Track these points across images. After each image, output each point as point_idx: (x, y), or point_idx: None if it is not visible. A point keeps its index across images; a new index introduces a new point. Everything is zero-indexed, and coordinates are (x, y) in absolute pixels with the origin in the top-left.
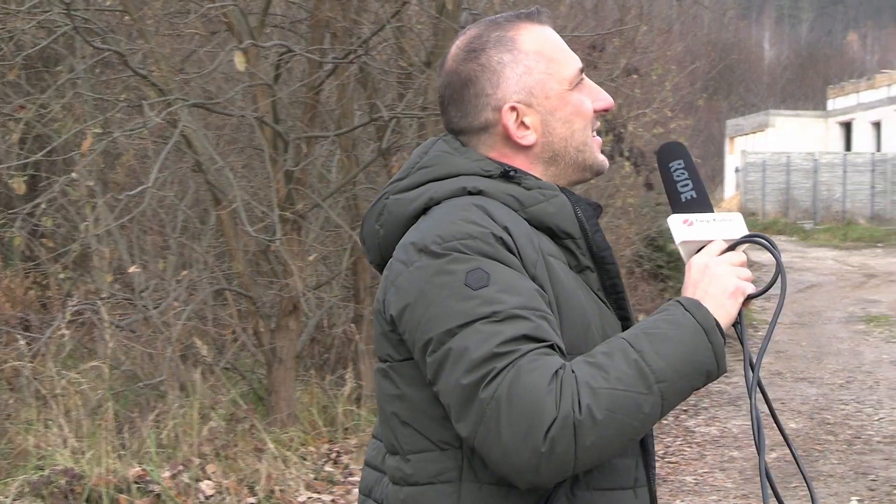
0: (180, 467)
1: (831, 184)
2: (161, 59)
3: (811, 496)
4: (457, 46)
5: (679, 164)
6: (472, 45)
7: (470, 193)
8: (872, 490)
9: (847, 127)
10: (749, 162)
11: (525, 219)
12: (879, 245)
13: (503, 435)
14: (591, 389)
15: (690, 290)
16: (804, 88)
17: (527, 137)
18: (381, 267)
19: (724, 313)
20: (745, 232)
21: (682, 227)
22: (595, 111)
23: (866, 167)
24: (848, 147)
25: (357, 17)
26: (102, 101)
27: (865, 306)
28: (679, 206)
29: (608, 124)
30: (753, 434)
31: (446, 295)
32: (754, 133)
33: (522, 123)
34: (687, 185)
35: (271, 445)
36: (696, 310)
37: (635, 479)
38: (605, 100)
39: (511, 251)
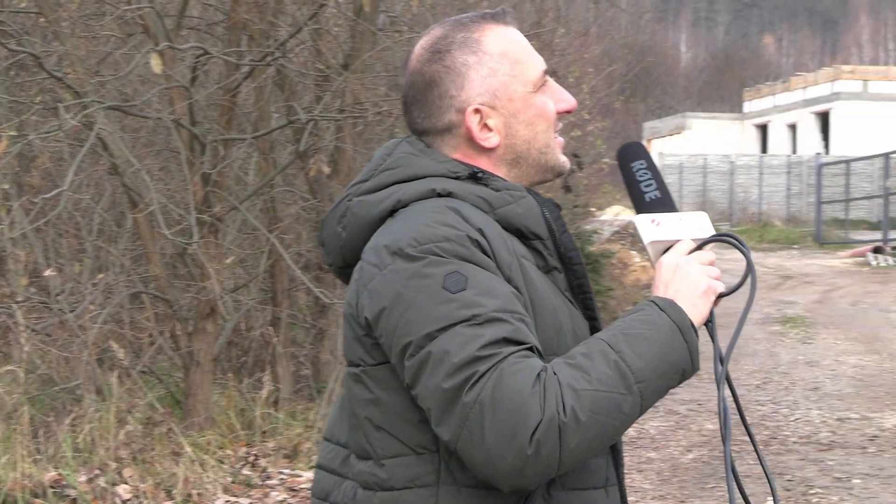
0: (97, 471)
1: (747, 186)
2: (77, 62)
3: (772, 492)
4: (421, 47)
5: (641, 164)
6: (437, 45)
7: (439, 195)
8: (788, 490)
9: (763, 129)
10: (666, 164)
11: (495, 220)
12: (795, 247)
13: (487, 438)
14: (573, 391)
15: (662, 289)
16: (720, 91)
17: (490, 139)
18: (342, 270)
19: (696, 312)
20: (712, 231)
21: (651, 227)
22: (558, 112)
23: (782, 169)
24: (764, 149)
25: (274, 19)
26: (17, 103)
27: (781, 308)
28: (644, 206)
29: None
30: (721, 427)
31: (424, 298)
32: (671, 135)
33: (486, 125)
34: (651, 184)
35: (188, 449)
36: (670, 309)
37: (606, 479)
38: (567, 101)
39: (486, 254)
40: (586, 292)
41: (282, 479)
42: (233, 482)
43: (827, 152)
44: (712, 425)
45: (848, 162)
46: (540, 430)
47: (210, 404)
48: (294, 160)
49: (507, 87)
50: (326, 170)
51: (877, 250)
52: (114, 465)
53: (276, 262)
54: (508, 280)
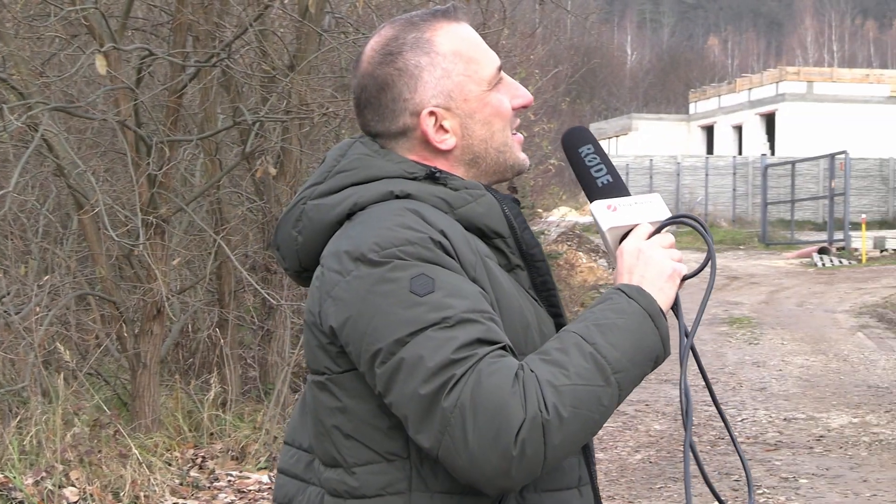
0: (43, 474)
1: (693, 187)
2: (21, 63)
3: (748, 482)
4: (371, 48)
5: (589, 148)
6: (388, 47)
7: (397, 197)
8: (735, 490)
9: (709, 130)
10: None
11: (455, 220)
12: (741, 248)
13: (470, 442)
14: (553, 388)
15: (626, 276)
16: (666, 92)
17: (446, 141)
18: (298, 274)
19: (664, 297)
20: (668, 213)
21: (607, 213)
22: (514, 109)
23: (728, 170)
24: (710, 150)
25: (220, 20)
26: None
27: (728, 308)
28: (597, 192)
29: None
30: (682, 408)
31: (391, 303)
32: (617, 136)
33: (441, 127)
34: (601, 169)
35: (136, 451)
36: (639, 296)
37: (579, 478)
38: (523, 96)
39: (450, 255)
40: (550, 289)
41: (230, 480)
42: (181, 484)
43: (772, 153)
44: (660, 426)
45: (793, 163)
46: (524, 429)
47: (157, 406)
48: (240, 161)
49: (461, 87)
50: (273, 171)
51: (822, 251)
52: (60, 467)
53: (222, 264)
54: (474, 280)
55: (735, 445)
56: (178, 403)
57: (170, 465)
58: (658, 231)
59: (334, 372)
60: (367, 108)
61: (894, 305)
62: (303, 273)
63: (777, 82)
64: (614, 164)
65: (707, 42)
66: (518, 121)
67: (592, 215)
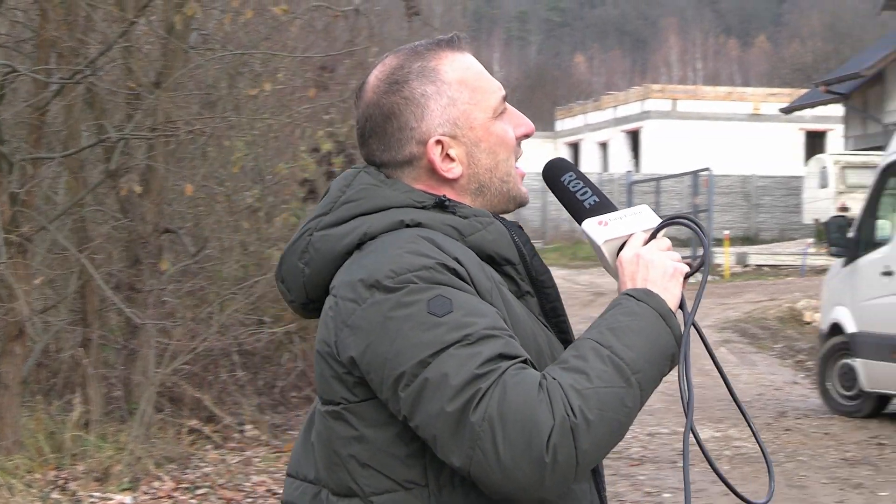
0: None
1: (560, 204)
2: None
3: (769, 470)
4: (377, 78)
5: (571, 175)
6: (394, 76)
7: (408, 226)
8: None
9: (575, 147)
10: None
11: (468, 248)
12: None
13: (502, 454)
14: (577, 392)
15: (630, 282)
16: (533, 109)
17: (453, 170)
18: (305, 306)
19: (670, 296)
20: (657, 219)
21: (600, 229)
22: (517, 138)
23: None
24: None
25: (84, 36)
26: None
27: None
28: (586, 213)
29: (339, 145)
30: (682, 397)
31: (411, 327)
32: None
33: (448, 156)
34: (586, 192)
35: None
36: (647, 298)
37: (591, 503)
38: (526, 125)
39: (465, 281)
40: (560, 315)
41: (92, 502)
42: None
43: (637, 170)
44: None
45: (658, 179)
46: (554, 435)
47: (18, 427)
48: (105, 179)
49: (467, 115)
50: (138, 189)
51: None
52: None
53: (86, 283)
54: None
55: (752, 430)
56: (40, 424)
57: (31, 487)
58: (654, 236)
59: (351, 402)
60: (372, 137)
61: (756, 320)
62: (309, 305)
63: (642, 100)
64: None
65: (573, 60)
66: (521, 151)
67: (586, 235)
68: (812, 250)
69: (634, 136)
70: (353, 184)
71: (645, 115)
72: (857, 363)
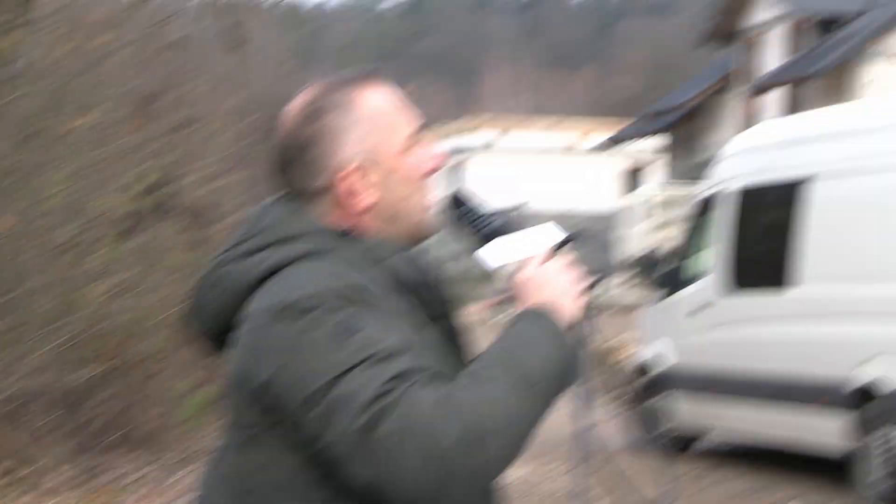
0: None
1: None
2: None
3: None
4: (295, 108)
5: (464, 209)
6: (311, 107)
7: (320, 254)
8: None
9: None
10: None
11: (374, 276)
12: None
13: (406, 467)
14: (478, 402)
15: (526, 303)
16: None
17: (365, 200)
18: (217, 337)
19: (565, 312)
20: (562, 236)
21: (492, 256)
22: (428, 171)
23: None
24: None
25: None
26: None
27: None
28: (484, 241)
29: (164, 178)
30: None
31: (319, 348)
32: None
33: (361, 185)
34: (481, 220)
35: None
36: (540, 315)
37: None
38: (438, 157)
39: (372, 304)
40: (465, 342)
41: None
42: None
43: None
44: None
45: None
46: (456, 447)
47: None
48: None
49: (380, 147)
50: None
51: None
52: None
53: None
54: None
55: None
56: None
57: None
58: (555, 254)
59: (264, 427)
60: (288, 167)
61: None
62: (220, 336)
63: (466, 132)
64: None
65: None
66: (434, 181)
67: (479, 264)
68: (623, 286)
69: (456, 170)
70: (268, 213)
71: (466, 149)
72: (671, 399)
